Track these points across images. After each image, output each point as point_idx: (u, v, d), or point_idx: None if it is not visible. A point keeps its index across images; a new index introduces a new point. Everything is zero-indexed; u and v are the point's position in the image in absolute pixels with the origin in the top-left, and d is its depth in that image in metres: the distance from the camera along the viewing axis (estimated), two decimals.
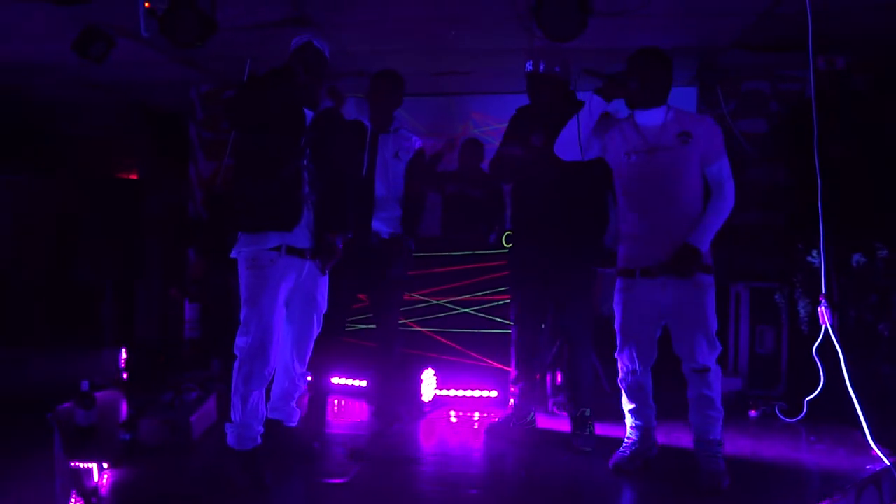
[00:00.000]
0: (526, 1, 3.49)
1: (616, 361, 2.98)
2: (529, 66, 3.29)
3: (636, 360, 2.89)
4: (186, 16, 3.45)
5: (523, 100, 3.43)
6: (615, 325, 2.95)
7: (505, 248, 4.04)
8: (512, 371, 3.57)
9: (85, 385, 3.30)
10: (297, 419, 3.09)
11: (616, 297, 2.92)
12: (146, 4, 3.50)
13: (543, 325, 3.57)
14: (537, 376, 3.84)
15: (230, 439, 2.75)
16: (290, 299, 2.86)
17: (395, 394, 3.74)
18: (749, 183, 5.01)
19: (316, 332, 2.99)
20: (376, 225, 3.45)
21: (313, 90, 2.84)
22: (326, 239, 2.84)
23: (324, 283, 2.97)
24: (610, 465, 2.97)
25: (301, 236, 2.79)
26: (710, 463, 2.76)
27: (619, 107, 2.92)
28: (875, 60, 4.42)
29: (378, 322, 3.66)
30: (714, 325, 2.78)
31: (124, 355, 4.58)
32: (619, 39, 4.10)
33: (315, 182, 2.83)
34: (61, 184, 6.29)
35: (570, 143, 2.91)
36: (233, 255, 2.80)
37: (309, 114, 2.84)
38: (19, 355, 4.78)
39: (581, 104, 3.23)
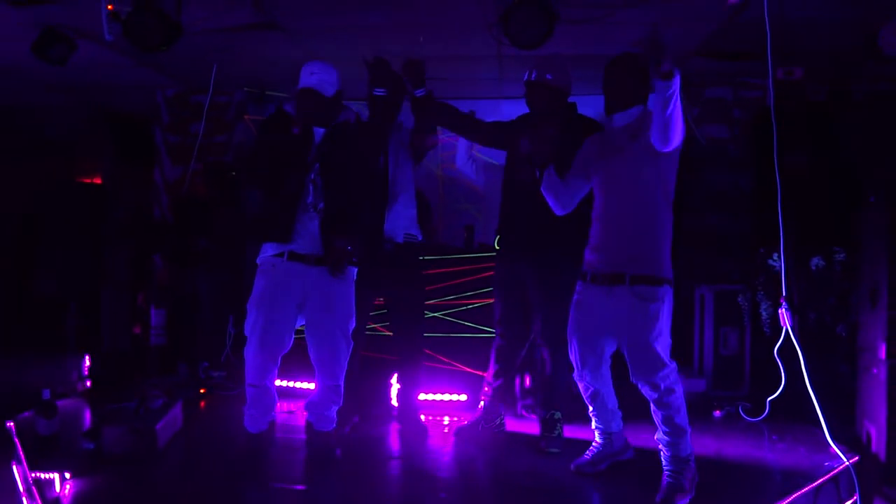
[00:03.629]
0: (494, 9, 3.52)
1: None
2: (525, 75, 3.26)
3: (583, 366, 2.84)
4: (150, 19, 3.42)
5: (492, 106, 3.47)
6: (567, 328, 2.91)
7: (472, 253, 4.07)
8: (491, 368, 3.51)
9: (46, 393, 3.24)
10: (331, 426, 3.08)
11: (573, 300, 2.87)
12: (109, 7, 3.45)
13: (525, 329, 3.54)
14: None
15: (244, 419, 3.01)
16: (305, 308, 2.93)
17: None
18: (713, 188, 5.13)
19: (342, 346, 2.96)
20: (389, 226, 3.40)
21: (319, 118, 2.94)
22: (334, 244, 2.88)
23: (343, 293, 2.97)
24: (571, 467, 2.98)
25: (304, 243, 2.90)
26: (671, 477, 2.68)
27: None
28: (830, 73, 4.56)
29: (399, 330, 3.56)
30: (661, 340, 2.63)
31: (88, 363, 4.49)
32: (586, 46, 4.17)
33: (321, 193, 2.92)
34: (24, 189, 6.15)
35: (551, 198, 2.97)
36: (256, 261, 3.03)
37: (319, 131, 2.96)
38: None
39: (579, 117, 3.27)
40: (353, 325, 3.00)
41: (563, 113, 3.28)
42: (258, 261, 3.01)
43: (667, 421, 2.68)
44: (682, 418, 2.69)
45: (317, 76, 2.91)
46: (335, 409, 3.06)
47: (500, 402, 3.55)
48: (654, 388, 2.65)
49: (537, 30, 3.30)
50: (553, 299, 3.27)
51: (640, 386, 2.70)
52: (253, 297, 2.95)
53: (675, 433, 2.68)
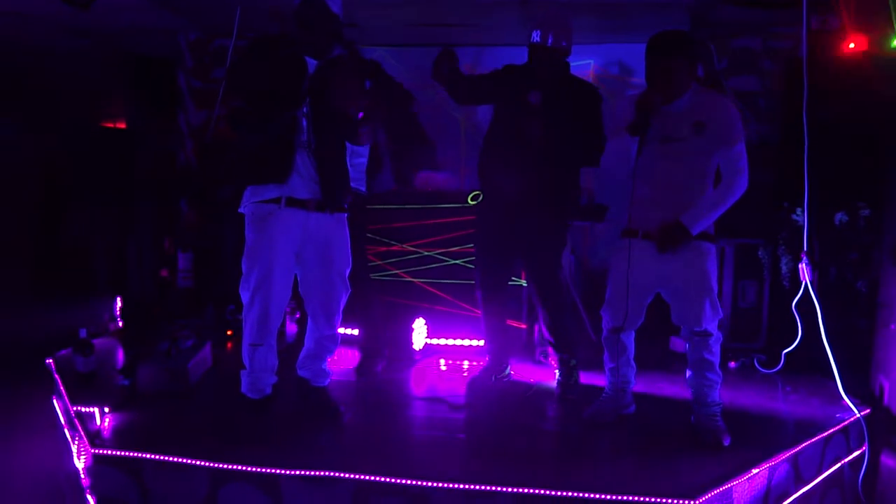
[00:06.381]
0: None
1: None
2: (537, 37, 3.22)
3: (621, 318, 2.92)
4: None
5: (514, 53, 3.43)
6: (608, 280, 2.98)
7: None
8: (485, 337, 3.65)
9: (83, 332, 3.36)
10: (327, 380, 3.00)
11: (615, 255, 2.93)
12: None
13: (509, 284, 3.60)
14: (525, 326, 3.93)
15: (243, 386, 2.87)
16: (302, 256, 2.81)
17: (380, 341, 3.80)
18: None
19: (341, 292, 2.88)
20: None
21: (318, 43, 2.75)
22: (335, 190, 2.81)
23: (341, 238, 2.88)
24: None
25: (301, 186, 2.74)
26: (710, 421, 2.82)
27: None
28: (867, 23, 4.41)
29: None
30: (715, 289, 2.82)
31: (119, 304, 4.63)
32: None
33: (316, 129, 2.75)
34: (49, 134, 6.21)
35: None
36: (240, 210, 2.81)
37: (312, 62, 2.74)
38: (9, 306, 4.82)
39: (573, 78, 3.29)
40: (350, 269, 2.91)
41: (562, 73, 3.31)
42: (246, 209, 2.77)
43: (711, 367, 2.83)
44: (719, 360, 2.88)
45: None
46: (328, 360, 2.98)
47: (506, 353, 3.64)
48: (707, 335, 2.81)
49: None
50: (540, 246, 3.34)
51: (691, 335, 2.84)
52: (249, 251, 2.74)
53: (716, 377, 2.85)
